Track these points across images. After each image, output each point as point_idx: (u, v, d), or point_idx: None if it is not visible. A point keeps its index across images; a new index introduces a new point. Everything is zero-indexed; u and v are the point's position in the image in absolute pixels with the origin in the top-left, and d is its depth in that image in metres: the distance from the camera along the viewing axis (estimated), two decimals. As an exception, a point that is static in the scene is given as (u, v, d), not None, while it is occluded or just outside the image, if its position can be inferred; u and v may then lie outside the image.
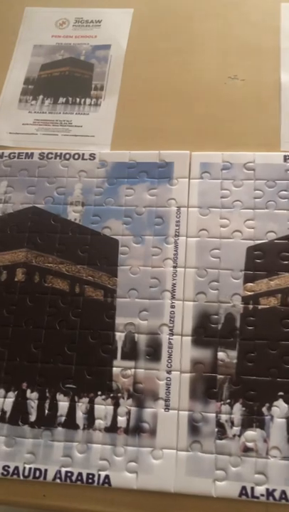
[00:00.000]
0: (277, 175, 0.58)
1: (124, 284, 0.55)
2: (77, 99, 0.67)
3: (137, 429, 0.49)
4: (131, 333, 0.53)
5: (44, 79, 0.69)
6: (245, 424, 0.48)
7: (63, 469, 0.48)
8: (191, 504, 0.46)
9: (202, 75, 0.66)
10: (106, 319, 0.53)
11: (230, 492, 0.46)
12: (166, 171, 0.60)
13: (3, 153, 0.63)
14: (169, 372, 0.51)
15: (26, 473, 0.48)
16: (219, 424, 0.48)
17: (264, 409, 0.48)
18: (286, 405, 0.48)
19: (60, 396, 0.51)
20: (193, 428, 0.48)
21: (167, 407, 0.49)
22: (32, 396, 0.51)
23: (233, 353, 0.51)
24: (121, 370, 0.51)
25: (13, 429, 0.50)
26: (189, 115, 0.63)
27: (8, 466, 0.49)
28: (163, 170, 0.60)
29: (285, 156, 0.59)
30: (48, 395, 0.51)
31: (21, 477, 0.48)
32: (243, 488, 0.46)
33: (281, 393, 0.49)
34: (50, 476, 0.48)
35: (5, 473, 0.49)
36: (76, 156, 0.62)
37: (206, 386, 0.50)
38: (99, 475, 0.48)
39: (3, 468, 0.49)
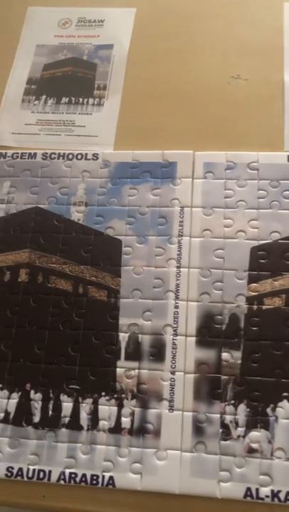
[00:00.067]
0: (281, 175, 0.57)
1: (127, 285, 0.55)
2: (80, 99, 0.67)
3: (141, 430, 0.49)
4: (135, 334, 0.52)
5: (47, 79, 0.69)
6: (250, 425, 0.48)
7: (67, 470, 0.48)
8: (196, 505, 0.46)
9: (205, 74, 0.66)
10: (109, 320, 0.53)
11: (235, 493, 0.46)
12: (169, 170, 0.59)
13: (6, 153, 0.63)
14: (173, 372, 0.50)
15: (30, 475, 0.48)
16: (223, 425, 0.48)
17: (268, 410, 0.48)
18: (291, 406, 0.48)
19: (63, 397, 0.51)
20: (198, 429, 0.48)
21: (171, 408, 0.49)
22: (36, 397, 0.51)
23: (238, 354, 0.51)
24: (125, 370, 0.51)
25: (16, 430, 0.50)
26: (192, 115, 0.63)
27: (12, 468, 0.49)
28: (166, 170, 0.59)
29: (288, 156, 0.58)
30: (51, 395, 0.51)
31: (25, 478, 0.48)
32: (248, 489, 0.46)
33: (286, 394, 0.48)
34: (54, 477, 0.48)
35: (9, 474, 0.48)
36: (79, 156, 0.62)
37: (210, 387, 0.50)
38: (103, 476, 0.48)
39: (7, 469, 0.49)
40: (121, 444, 0.48)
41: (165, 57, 0.67)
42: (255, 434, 0.48)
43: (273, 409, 0.48)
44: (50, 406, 0.51)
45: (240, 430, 0.48)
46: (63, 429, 0.50)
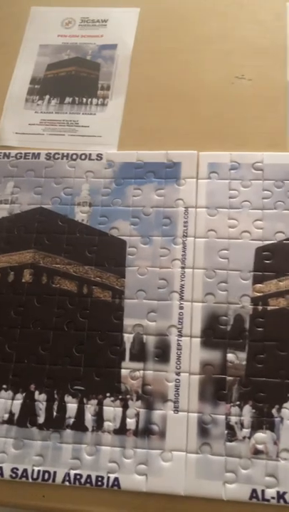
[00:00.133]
0: (285, 175, 0.57)
1: (132, 285, 0.54)
2: (84, 99, 0.66)
3: (146, 431, 0.49)
4: (139, 335, 0.52)
5: (50, 79, 0.69)
6: (255, 426, 0.48)
7: (72, 472, 0.48)
8: (201, 507, 0.46)
9: (209, 74, 0.65)
10: (114, 320, 0.53)
11: (241, 495, 0.46)
12: (173, 171, 0.59)
13: (9, 153, 0.63)
14: (178, 373, 0.50)
15: (35, 476, 0.48)
16: (229, 426, 0.48)
17: (274, 411, 0.48)
18: (296, 407, 0.48)
19: (68, 398, 0.51)
20: (203, 430, 0.48)
21: (176, 409, 0.49)
22: (40, 398, 0.51)
23: (243, 355, 0.50)
24: (129, 371, 0.51)
25: (21, 431, 0.50)
26: (196, 115, 0.63)
27: (17, 469, 0.49)
28: (170, 170, 0.59)
29: (293, 156, 0.58)
30: (56, 396, 0.51)
31: (30, 480, 0.48)
32: (254, 490, 0.46)
33: (291, 395, 0.48)
34: (59, 478, 0.48)
35: (13, 475, 0.48)
36: (83, 157, 0.62)
37: (215, 388, 0.49)
38: (108, 477, 0.47)
39: (12, 470, 0.49)
40: (126, 445, 0.48)
41: (169, 57, 0.67)
42: (260, 435, 0.47)
43: (279, 410, 0.48)
44: (55, 407, 0.50)
45: (246, 431, 0.48)
46: (68, 430, 0.50)
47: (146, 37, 0.69)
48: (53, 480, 0.48)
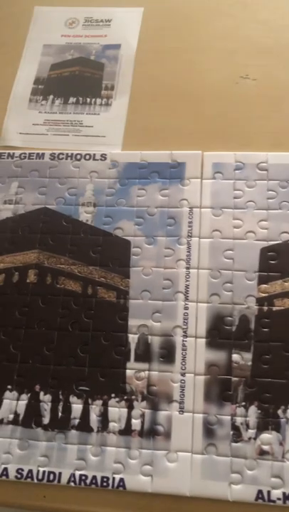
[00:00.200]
0: (290, 175, 0.57)
1: (136, 286, 0.54)
2: (88, 99, 0.66)
3: (151, 432, 0.49)
4: (144, 335, 0.52)
5: (54, 79, 0.69)
6: (261, 427, 0.48)
7: (77, 472, 0.48)
8: (207, 508, 0.46)
9: (214, 74, 0.65)
10: (119, 321, 0.53)
11: (247, 496, 0.46)
12: (178, 171, 0.59)
13: (13, 153, 0.63)
14: (183, 374, 0.50)
15: (40, 477, 0.48)
16: (234, 427, 0.48)
17: (279, 412, 0.48)
18: (302, 408, 0.48)
19: (73, 398, 0.51)
20: (208, 431, 0.48)
21: (182, 410, 0.49)
22: (45, 398, 0.51)
23: (248, 355, 0.50)
24: (134, 372, 0.51)
25: (26, 431, 0.50)
26: (201, 115, 0.63)
27: (22, 469, 0.48)
28: (175, 170, 0.59)
29: (298, 156, 0.58)
30: (61, 397, 0.51)
31: (35, 480, 0.48)
32: (260, 491, 0.46)
33: (297, 396, 0.48)
34: (64, 479, 0.48)
35: (19, 476, 0.48)
36: (87, 157, 0.62)
37: (220, 388, 0.49)
38: (113, 478, 0.47)
39: (17, 471, 0.48)
40: (131, 446, 0.48)
41: (173, 56, 0.67)
42: (266, 436, 0.47)
43: (284, 411, 0.48)
44: (60, 407, 0.50)
45: (251, 432, 0.48)
46: (73, 431, 0.49)
47: (150, 37, 0.69)
48: (58, 481, 0.48)
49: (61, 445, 0.49)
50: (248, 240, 0.55)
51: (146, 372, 0.51)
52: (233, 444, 0.47)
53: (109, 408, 0.50)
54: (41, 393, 0.51)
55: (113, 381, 0.51)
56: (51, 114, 0.66)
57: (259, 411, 0.48)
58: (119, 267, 0.55)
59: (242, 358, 0.50)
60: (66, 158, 0.62)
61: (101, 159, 0.61)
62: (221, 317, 0.52)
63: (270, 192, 0.57)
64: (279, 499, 0.45)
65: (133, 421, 0.49)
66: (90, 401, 0.50)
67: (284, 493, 0.45)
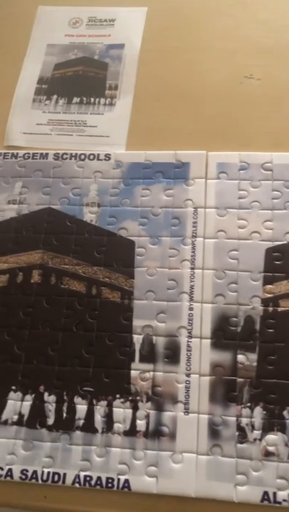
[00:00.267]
0: (295, 175, 0.57)
1: (141, 286, 0.54)
2: (92, 99, 0.66)
3: (156, 433, 0.48)
4: (149, 336, 0.52)
5: (58, 78, 0.69)
6: (266, 428, 0.48)
7: (82, 473, 0.48)
8: (212, 509, 0.46)
9: (218, 74, 0.65)
10: (123, 321, 0.53)
11: (252, 497, 0.45)
12: (182, 171, 0.59)
13: (17, 153, 0.63)
14: (188, 375, 0.50)
15: (45, 478, 0.48)
16: (240, 428, 0.48)
17: (285, 413, 0.48)
18: (307, 409, 0.48)
19: (77, 399, 0.50)
20: (214, 432, 0.48)
21: (187, 411, 0.49)
22: (49, 399, 0.51)
23: (253, 356, 0.50)
24: (139, 372, 0.51)
25: (30, 432, 0.50)
26: (205, 115, 0.63)
27: (27, 470, 0.48)
28: (179, 170, 0.59)
29: (303, 156, 0.58)
30: (65, 398, 0.51)
31: (40, 481, 0.48)
32: (265, 493, 0.45)
33: (302, 397, 0.48)
34: (69, 480, 0.48)
35: (23, 477, 0.48)
36: (91, 157, 0.61)
37: (225, 389, 0.49)
38: (118, 479, 0.47)
39: (21, 472, 0.48)
40: (136, 447, 0.48)
41: (177, 56, 0.67)
42: (271, 437, 0.47)
43: (290, 412, 0.48)
44: (65, 408, 0.50)
45: (257, 433, 0.47)
46: (78, 432, 0.49)
47: (153, 36, 0.69)
48: (63, 482, 0.48)
49: (66, 446, 0.49)
50: (253, 241, 0.55)
51: (151, 372, 0.51)
52: (239, 445, 0.47)
53: (114, 409, 0.50)
54: (46, 394, 0.51)
55: (118, 382, 0.51)
56: (55, 114, 0.66)
57: (264, 412, 0.48)
58: (123, 268, 0.55)
59: (247, 359, 0.50)
60: (70, 158, 0.62)
61: (105, 159, 0.61)
62: (226, 318, 0.52)
63: (274, 192, 0.57)
64: (285, 500, 0.45)
65: (138, 422, 0.49)
66: (94, 402, 0.50)
67: (290, 495, 0.45)
